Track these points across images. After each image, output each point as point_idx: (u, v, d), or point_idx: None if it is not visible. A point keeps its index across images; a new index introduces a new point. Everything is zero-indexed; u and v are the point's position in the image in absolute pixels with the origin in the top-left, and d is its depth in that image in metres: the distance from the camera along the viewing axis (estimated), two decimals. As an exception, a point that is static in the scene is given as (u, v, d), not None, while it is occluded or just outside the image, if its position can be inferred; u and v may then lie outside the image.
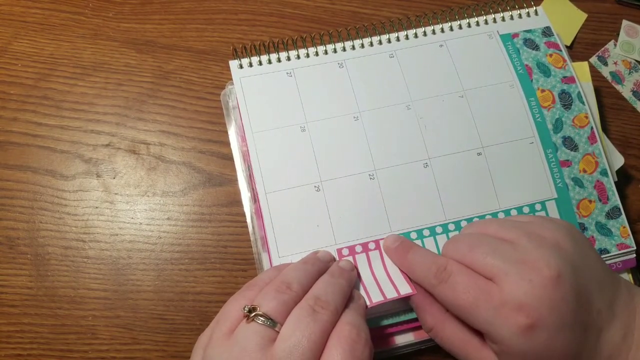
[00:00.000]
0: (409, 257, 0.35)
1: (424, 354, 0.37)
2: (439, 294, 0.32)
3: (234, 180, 0.41)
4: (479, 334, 0.31)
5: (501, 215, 0.38)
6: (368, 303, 0.34)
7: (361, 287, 0.35)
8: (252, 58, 0.40)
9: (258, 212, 0.37)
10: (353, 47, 0.42)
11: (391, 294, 0.34)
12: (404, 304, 0.35)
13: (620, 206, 0.39)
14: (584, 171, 0.39)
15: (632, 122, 0.45)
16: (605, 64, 0.47)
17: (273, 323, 0.28)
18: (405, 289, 0.34)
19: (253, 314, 0.29)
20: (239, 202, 0.40)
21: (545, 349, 0.28)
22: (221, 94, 0.42)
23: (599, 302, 0.30)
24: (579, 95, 0.41)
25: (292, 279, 0.31)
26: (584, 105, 0.40)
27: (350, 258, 0.36)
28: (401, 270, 0.36)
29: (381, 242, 0.37)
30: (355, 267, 0.36)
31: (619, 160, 0.41)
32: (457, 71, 0.41)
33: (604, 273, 0.32)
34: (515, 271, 0.29)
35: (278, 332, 0.28)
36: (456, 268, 0.31)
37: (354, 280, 0.34)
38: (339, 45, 0.41)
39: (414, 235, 0.37)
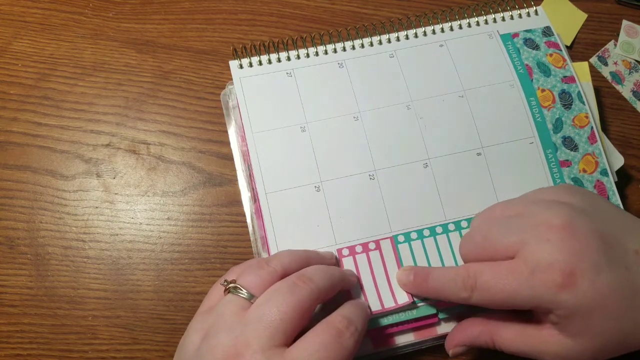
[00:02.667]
0: (430, 285, 0.33)
1: (424, 354, 0.37)
2: (477, 301, 0.31)
3: (234, 180, 0.41)
4: (533, 319, 0.31)
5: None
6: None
7: (360, 292, 0.35)
8: (252, 58, 0.40)
9: (258, 212, 0.37)
10: (353, 47, 0.42)
11: (389, 303, 0.35)
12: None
13: (621, 206, 0.39)
14: (584, 171, 0.39)
15: (632, 122, 0.45)
16: (605, 64, 0.47)
17: (250, 295, 0.29)
18: (403, 297, 0.35)
19: (230, 286, 0.30)
20: (239, 202, 0.40)
21: (595, 296, 0.28)
22: (221, 94, 0.42)
23: (632, 244, 0.29)
24: (579, 95, 0.41)
25: (274, 258, 0.32)
26: (584, 105, 0.40)
27: (350, 258, 0.36)
28: None
29: (382, 243, 0.37)
30: (357, 276, 0.36)
31: (619, 161, 0.41)
32: (457, 71, 0.41)
33: (627, 217, 0.31)
34: (531, 237, 0.29)
35: (247, 299, 0.29)
36: (477, 269, 0.31)
37: (350, 281, 0.34)
38: (339, 45, 0.41)
39: (414, 235, 0.37)
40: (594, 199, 0.32)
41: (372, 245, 0.36)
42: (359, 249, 0.36)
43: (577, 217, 0.29)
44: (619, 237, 0.29)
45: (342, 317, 0.29)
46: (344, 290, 0.35)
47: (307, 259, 0.33)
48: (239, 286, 0.30)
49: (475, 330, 0.33)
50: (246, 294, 0.29)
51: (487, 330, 0.33)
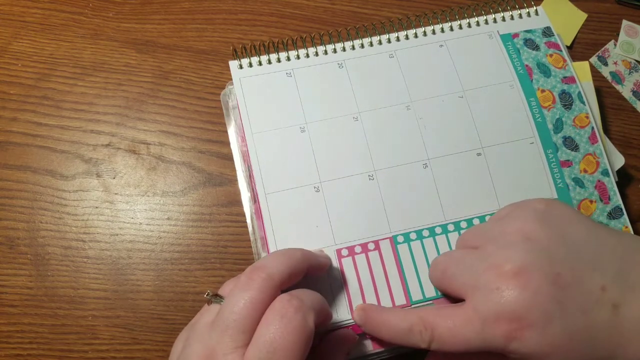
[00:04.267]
0: (383, 331, 0.33)
1: (424, 354, 0.37)
2: (436, 349, 0.30)
3: (234, 180, 0.41)
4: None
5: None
6: None
7: (359, 293, 0.35)
8: (252, 58, 0.40)
9: (258, 213, 0.37)
10: (353, 47, 0.41)
11: (387, 304, 0.35)
12: None
13: (622, 206, 0.39)
14: (585, 171, 0.39)
15: (632, 122, 0.45)
16: (606, 64, 0.47)
17: (217, 299, 0.30)
18: (401, 299, 0.35)
19: (211, 297, 0.30)
20: (239, 202, 0.40)
21: (545, 346, 0.27)
22: (221, 94, 0.42)
23: (599, 278, 0.28)
24: (579, 95, 0.41)
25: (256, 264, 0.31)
26: (585, 105, 0.40)
27: (349, 258, 0.36)
28: (401, 277, 0.36)
29: (381, 244, 0.37)
30: (329, 258, 0.35)
31: (619, 161, 0.41)
32: (457, 71, 0.41)
33: (601, 245, 0.29)
34: (481, 283, 0.29)
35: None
36: (433, 322, 0.30)
37: (319, 262, 0.34)
38: (338, 46, 0.41)
39: (413, 236, 0.37)
40: (566, 229, 0.30)
41: (371, 246, 0.36)
42: (358, 249, 0.36)
43: (533, 260, 0.28)
44: (583, 274, 0.28)
45: (284, 295, 0.28)
46: (316, 273, 0.34)
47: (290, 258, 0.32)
48: (219, 295, 0.30)
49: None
50: (221, 301, 0.29)
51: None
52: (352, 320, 0.35)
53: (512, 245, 0.29)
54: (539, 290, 0.27)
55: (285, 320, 0.27)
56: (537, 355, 0.28)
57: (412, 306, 0.35)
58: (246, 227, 0.39)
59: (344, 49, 0.41)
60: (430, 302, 0.35)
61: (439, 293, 0.35)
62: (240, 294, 0.28)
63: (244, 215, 0.39)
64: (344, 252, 0.36)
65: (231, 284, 0.31)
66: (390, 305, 0.35)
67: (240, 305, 0.27)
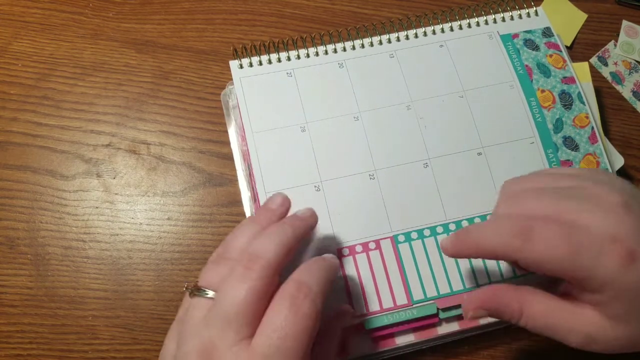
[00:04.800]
0: (472, 237, 0.30)
1: (424, 354, 0.37)
2: (528, 254, 0.27)
3: (234, 180, 0.41)
4: (568, 297, 0.29)
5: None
6: (364, 311, 0.35)
7: (360, 292, 0.35)
8: (252, 58, 0.40)
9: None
10: (353, 47, 0.42)
11: (388, 304, 0.35)
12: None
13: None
14: (584, 171, 0.39)
15: (632, 123, 0.45)
16: (606, 64, 0.47)
17: (213, 294, 0.28)
18: (402, 299, 0.35)
19: (193, 289, 0.29)
20: (239, 202, 0.40)
21: None
22: (221, 94, 0.42)
23: None
24: (579, 95, 0.41)
25: (229, 247, 0.31)
26: (585, 105, 0.40)
27: (350, 258, 0.36)
28: (402, 277, 0.36)
29: (382, 243, 0.36)
30: (315, 214, 0.33)
31: (619, 161, 0.41)
32: (457, 71, 0.41)
33: None
34: (593, 206, 0.27)
35: (212, 299, 0.28)
36: (536, 221, 0.28)
37: (306, 226, 0.32)
38: (339, 46, 0.41)
39: (414, 235, 0.37)
40: (635, 188, 0.30)
41: (372, 245, 0.36)
42: (359, 248, 0.36)
43: (631, 198, 0.27)
44: None
45: (291, 282, 0.28)
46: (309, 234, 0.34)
47: (264, 229, 0.31)
48: (201, 287, 0.29)
49: (505, 297, 0.30)
50: (210, 294, 0.28)
51: (517, 299, 0.29)
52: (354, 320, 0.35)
53: (607, 185, 0.28)
54: None
55: (294, 308, 0.26)
56: (635, 291, 0.26)
57: (414, 306, 0.35)
58: (246, 227, 0.39)
59: (344, 49, 0.41)
60: (432, 302, 0.35)
61: (440, 292, 0.35)
62: (239, 285, 0.27)
63: (244, 215, 0.39)
64: (345, 252, 0.36)
65: (212, 272, 0.30)
66: (392, 305, 0.35)
67: (242, 297, 0.27)
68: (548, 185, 0.30)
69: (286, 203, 0.34)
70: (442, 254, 0.36)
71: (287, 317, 0.26)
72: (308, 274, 0.28)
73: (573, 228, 0.27)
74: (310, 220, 0.33)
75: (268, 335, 0.26)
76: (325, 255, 0.32)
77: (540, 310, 0.29)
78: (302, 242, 0.33)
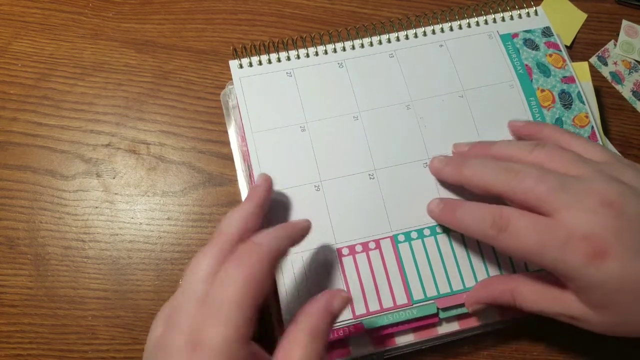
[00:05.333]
0: (457, 215, 0.34)
1: (424, 354, 0.37)
2: (500, 243, 0.31)
3: (234, 180, 0.41)
4: (555, 279, 0.31)
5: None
6: (364, 311, 0.35)
7: (360, 292, 0.35)
8: (252, 58, 0.40)
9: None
10: (353, 47, 0.42)
11: (388, 304, 0.35)
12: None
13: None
14: (584, 171, 0.39)
15: (632, 122, 0.45)
16: (605, 64, 0.47)
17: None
18: (402, 298, 0.35)
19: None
20: (238, 202, 0.40)
21: (623, 278, 0.27)
22: (221, 94, 0.42)
23: None
24: (579, 95, 0.41)
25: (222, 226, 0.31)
26: (584, 104, 0.40)
27: (350, 258, 0.36)
28: (402, 276, 0.36)
29: (382, 243, 0.37)
30: (268, 179, 0.35)
31: (619, 161, 0.41)
32: (457, 71, 0.41)
33: None
34: (578, 203, 0.29)
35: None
36: (512, 212, 0.30)
37: (262, 193, 0.33)
38: (338, 45, 0.41)
39: (414, 235, 0.37)
40: None
41: (372, 245, 0.36)
42: (359, 248, 0.36)
43: (632, 199, 0.29)
44: None
45: (248, 243, 0.28)
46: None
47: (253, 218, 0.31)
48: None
49: (497, 289, 0.34)
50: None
51: (508, 289, 0.33)
52: (353, 320, 0.35)
53: (614, 182, 0.30)
54: (631, 226, 0.28)
55: (237, 262, 0.27)
56: (608, 286, 0.28)
57: (414, 305, 0.35)
58: (246, 226, 0.39)
59: (344, 49, 0.41)
60: (432, 301, 0.35)
61: (441, 292, 0.35)
62: (203, 258, 0.28)
63: (244, 215, 0.39)
64: (345, 251, 0.36)
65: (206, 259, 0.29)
66: (392, 305, 0.35)
67: (204, 270, 0.27)
68: (562, 167, 0.31)
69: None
70: (442, 253, 0.36)
71: (227, 270, 0.27)
72: (265, 237, 0.29)
73: (549, 223, 0.29)
74: (305, 227, 0.33)
75: (212, 295, 0.26)
76: (297, 220, 0.33)
77: (529, 297, 0.32)
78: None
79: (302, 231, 0.32)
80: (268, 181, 0.35)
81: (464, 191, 0.36)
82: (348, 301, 0.29)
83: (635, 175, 0.31)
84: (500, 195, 0.32)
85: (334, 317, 0.28)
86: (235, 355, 0.25)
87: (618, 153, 0.41)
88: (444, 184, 0.38)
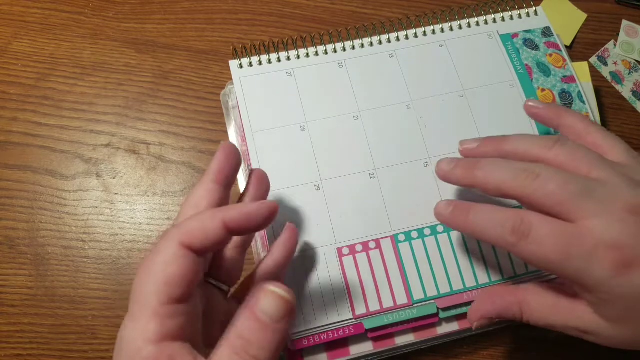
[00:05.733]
0: (471, 219, 0.30)
1: (424, 354, 0.37)
2: (521, 251, 0.28)
3: (234, 180, 0.41)
4: (568, 292, 0.29)
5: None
6: (365, 310, 0.35)
7: (360, 292, 0.35)
8: (252, 58, 0.40)
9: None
10: (353, 47, 0.42)
11: (388, 303, 0.35)
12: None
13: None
14: (584, 171, 0.39)
15: (632, 122, 0.45)
16: (605, 64, 0.47)
17: None
18: (402, 298, 0.35)
19: None
20: (238, 202, 0.40)
21: None
22: (221, 93, 0.42)
23: None
24: (579, 94, 0.41)
25: None
26: (585, 104, 0.40)
27: (350, 257, 0.36)
28: (402, 276, 0.36)
29: (382, 242, 0.36)
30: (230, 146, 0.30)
31: (619, 161, 0.41)
32: (457, 71, 0.41)
33: None
34: (604, 210, 0.27)
35: None
36: (535, 218, 0.28)
37: (216, 165, 0.30)
38: (339, 45, 0.41)
39: (414, 234, 0.37)
40: None
41: (372, 245, 0.36)
42: (359, 247, 0.36)
43: None
44: None
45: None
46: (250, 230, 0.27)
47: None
48: None
49: (504, 301, 0.31)
50: None
51: (516, 301, 0.31)
52: (353, 320, 0.35)
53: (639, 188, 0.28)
54: None
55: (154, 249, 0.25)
56: (632, 298, 0.26)
57: (414, 305, 0.35)
58: (246, 226, 0.39)
59: (344, 49, 0.41)
60: (432, 301, 0.35)
61: (441, 292, 0.35)
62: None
63: (244, 215, 0.39)
64: (345, 251, 0.36)
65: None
66: (392, 305, 0.35)
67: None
68: (585, 169, 0.29)
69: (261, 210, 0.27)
70: (442, 253, 0.36)
71: (144, 260, 0.25)
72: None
73: (574, 230, 0.27)
74: (261, 211, 0.27)
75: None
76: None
77: (539, 310, 0.30)
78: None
79: (253, 217, 0.26)
80: (228, 149, 0.30)
81: (468, 191, 0.36)
82: (279, 298, 0.25)
83: None
84: (518, 198, 0.30)
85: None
86: (139, 355, 0.23)
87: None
88: (445, 185, 0.38)
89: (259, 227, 0.27)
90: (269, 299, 0.24)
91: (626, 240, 0.26)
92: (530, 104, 0.35)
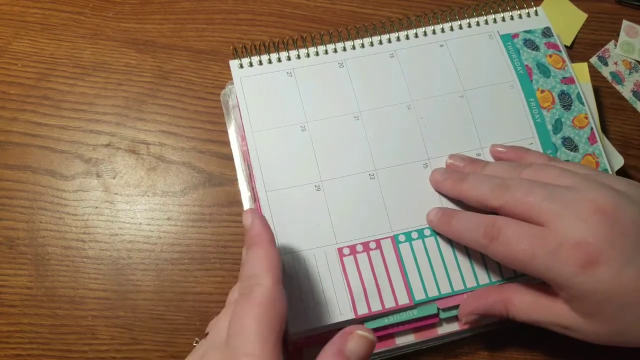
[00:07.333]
0: (453, 224, 0.34)
1: (424, 354, 0.37)
2: (492, 252, 0.31)
3: (234, 180, 0.41)
4: (547, 290, 0.31)
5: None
6: (366, 311, 0.35)
7: (362, 291, 0.35)
8: (252, 58, 0.40)
9: (258, 212, 0.37)
10: (353, 47, 0.41)
11: (390, 304, 0.35)
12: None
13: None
14: (584, 171, 0.39)
15: (632, 122, 0.45)
16: (606, 64, 0.47)
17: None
18: (404, 298, 0.35)
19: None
20: (239, 202, 0.40)
21: (615, 286, 0.27)
22: (221, 93, 0.42)
23: None
24: (578, 96, 0.41)
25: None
26: (584, 105, 0.40)
27: (351, 257, 0.36)
28: (403, 276, 0.36)
29: (383, 243, 0.36)
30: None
31: (618, 161, 0.41)
32: (457, 71, 0.41)
33: None
34: (570, 212, 0.29)
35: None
36: (504, 222, 0.31)
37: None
38: (339, 45, 0.41)
39: (415, 235, 0.37)
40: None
41: (372, 245, 0.36)
42: (359, 248, 0.36)
43: (625, 205, 0.29)
44: None
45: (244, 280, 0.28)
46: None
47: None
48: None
49: (490, 299, 0.34)
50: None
51: (501, 299, 0.33)
52: (355, 320, 0.34)
53: (605, 189, 0.30)
54: (627, 233, 0.28)
55: (244, 301, 0.27)
56: (600, 294, 0.28)
57: (415, 306, 0.35)
58: (246, 227, 0.39)
59: (344, 49, 0.41)
60: (433, 302, 0.35)
61: (442, 292, 0.35)
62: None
63: (244, 215, 0.39)
64: (346, 251, 0.36)
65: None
66: (394, 305, 0.35)
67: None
68: (551, 180, 0.32)
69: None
70: (442, 253, 0.36)
71: (238, 310, 0.26)
72: (251, 267, 0.28)
73: (540, 231, 0.29)
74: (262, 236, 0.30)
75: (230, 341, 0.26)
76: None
77: (522, 307, 0.32)
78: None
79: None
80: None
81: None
82: (366, 340, 0.27)
83: (626, 183, 0.31)
84: (495, 209, 0.33)
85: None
86: None
87: (618, 154, 0.41)
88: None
89: None
90: (356, 341, 0.26)
91: (589, 238, 0.28)
92: (496, 148, 0.39)
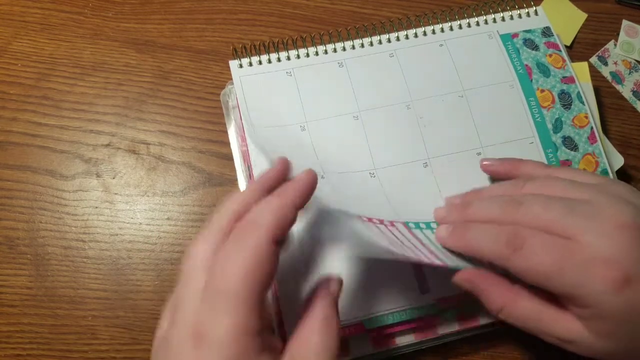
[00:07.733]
0: (468, 236, 0.31)
1: (424, 354, 0.37)
2: (515, 264, 0.28)
3: (234, 180, 0.41)
4: (555, 301, 0.29)
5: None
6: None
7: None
8: (252, 58, 0.40)
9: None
10: (353, 47, 0.42)
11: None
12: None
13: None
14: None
15: (632, 122, 0.45)
16: (606, 64, 0.47)
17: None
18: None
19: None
20: (239, 202, 0.40)
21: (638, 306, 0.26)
22: (221, 93, 0.42)
23: None
24: (578, 95, 0.41)
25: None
26: (584, 105, 0.40)
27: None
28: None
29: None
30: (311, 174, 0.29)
31: (618, 161, 0.41)
32: (457, 71, 0.41)
33: None
34: (596, 227, 0.27)
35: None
36: (529, 232, 0.28)
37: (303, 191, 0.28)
38: (338, 45, 0.41)
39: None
40: None
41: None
42: (359, 248, 0.36)
43: None
44: None
45: (243, 221, 0.26)
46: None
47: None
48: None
49: (496, 290, 0.31)
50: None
51: (503, 297, 0.30)
52: (354, 320, 0.34)
53: (622, 203, 0.28)
54: None
55: (235, 245, 0.25)
56: (624, 315, 0.26)
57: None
58: (246, 226, 0.39)
59: (344, 49, 0.41)
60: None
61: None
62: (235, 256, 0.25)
63: (244, 215, 0.39)
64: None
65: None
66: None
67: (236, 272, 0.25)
68: (561, 193, 0.30)
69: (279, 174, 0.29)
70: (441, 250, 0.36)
71: (226, 255, 0.25)
72: (259, 210, 0.26)
73: (568, 245, 0.27)
74: (311, 186, 0.29)
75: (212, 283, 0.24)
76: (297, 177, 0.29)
77: (524, 312, 0.30)
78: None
79: (307, 188, 0.28)
80: (312, 177, 0.29)
81: (467, 191, 0.36)
82: (341, 283, 0.29)
83: (635, 194, 0.30)
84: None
85: (336, 300, 0.28)
86: (244, 348, 0.23)
87: (618, 153, 0.41)
88: (445, 185, 0.38)
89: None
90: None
91: (621, 256, 0.27)
92: (484, 162, 0.37)
